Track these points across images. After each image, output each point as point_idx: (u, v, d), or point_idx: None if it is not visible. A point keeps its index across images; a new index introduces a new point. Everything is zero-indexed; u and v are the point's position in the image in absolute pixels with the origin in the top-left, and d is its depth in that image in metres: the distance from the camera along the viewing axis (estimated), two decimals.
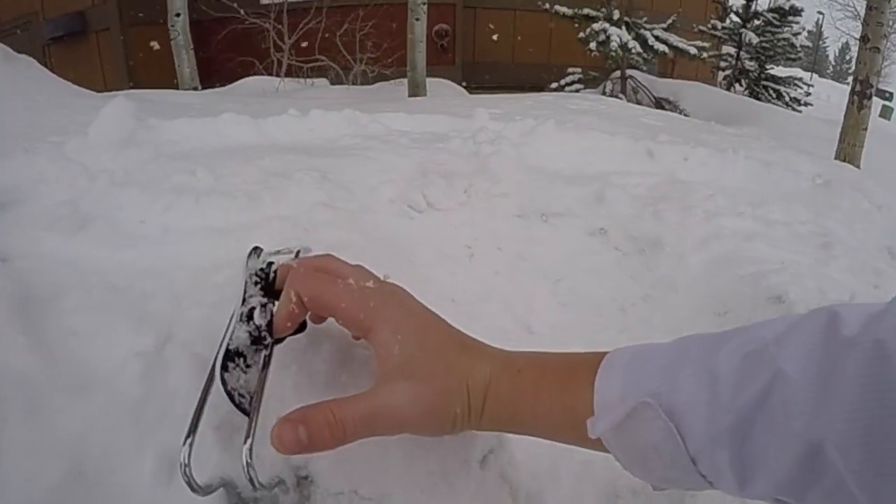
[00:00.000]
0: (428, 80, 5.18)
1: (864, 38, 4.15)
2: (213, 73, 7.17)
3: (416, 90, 4.43)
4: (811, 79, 15.37)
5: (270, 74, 7.02)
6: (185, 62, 6.00)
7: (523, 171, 1.24)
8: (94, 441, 0.58)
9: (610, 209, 1.15)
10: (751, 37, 10.35)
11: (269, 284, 0.54)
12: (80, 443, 0.58)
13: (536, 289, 1.05)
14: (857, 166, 4.06)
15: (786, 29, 10.77)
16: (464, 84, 7.14)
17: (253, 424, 0.47)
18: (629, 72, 7.09)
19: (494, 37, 9.57)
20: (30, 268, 0.82)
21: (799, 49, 11.04)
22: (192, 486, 0.45)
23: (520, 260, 1.09)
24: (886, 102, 28.14)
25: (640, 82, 7.18)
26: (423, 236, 1.06)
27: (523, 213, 1.14)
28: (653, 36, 6.64)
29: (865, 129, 4.26)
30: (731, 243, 1.12)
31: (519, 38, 9.79)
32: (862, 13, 4.38)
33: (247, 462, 0.44)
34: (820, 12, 34.73)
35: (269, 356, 0.51)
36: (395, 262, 0.96)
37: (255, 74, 7.07)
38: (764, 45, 10.60)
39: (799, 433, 0.33)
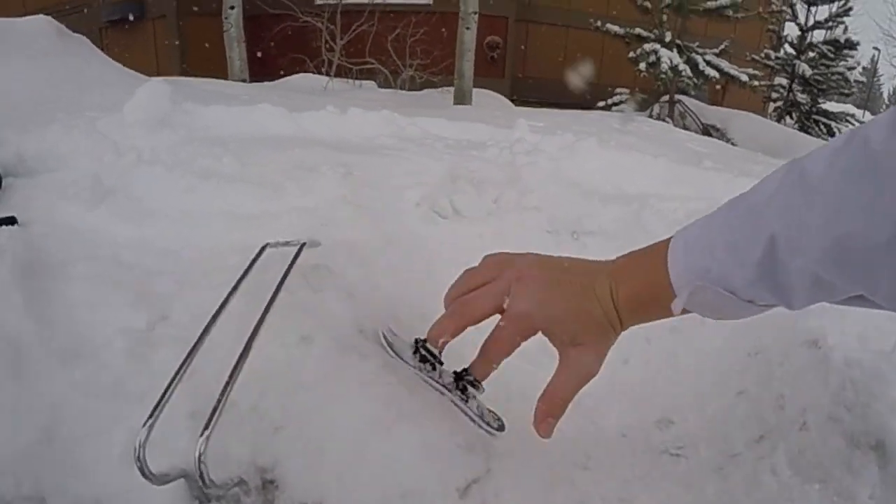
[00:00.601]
0: (475, 90, 5.15)
1: None
2: (265, 68, 7.26)
3: (461, 99, 4.40)
4: (864, 116, 14.97)
5: (320, 73, 7.07)
6: (237, 54, 6.08)
7: (558, 184, 1.19)
8: (70, 410, 0.58)
9: (647, 231, 1.10)
10: (804, 69, 10.12)
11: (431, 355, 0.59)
12: (57, 410, 0.58)
13: None
14: None
15: (840, 63, 10.50)
16: (512, 98, 7.11)
17: (216, 416, 0.44)
18: (678, 97, 6.97)
19: (548, 57, 9.54)
20: (45, 233, 0.84)
21: (853, 84, 10.76)
22: (144, 472, 0.43)
23: None
24: None
25: (688, 107, 7.03)
26: (446, 243, 1.03)
27: (554, 229, 1.10)
28: (704, 60, 6.50)
29: None
30: None
31: (568, 56, 9.73)
32: None
33: (199, 455, 0.41)
34: (876, 48, 33.94)
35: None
36: (412, 266, 0.93)
37: (305, 72, 7.12)
38: (817, 77, 10.34)
39: (802, 268, 0.44)
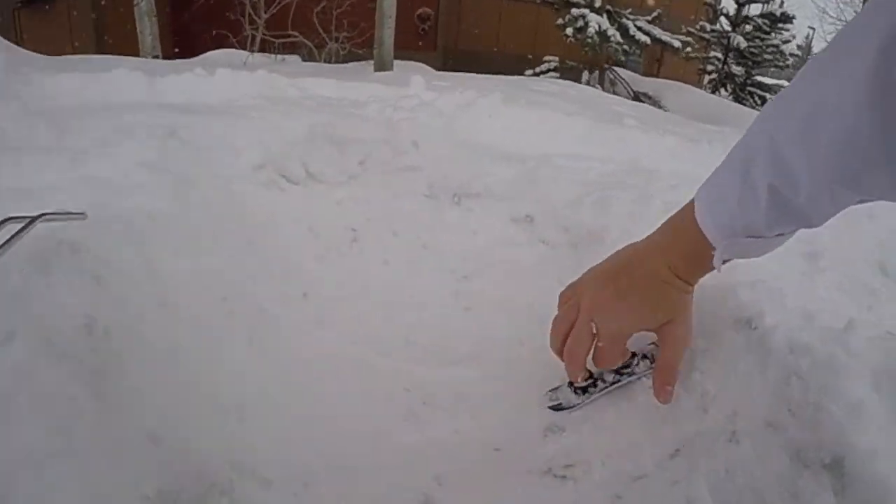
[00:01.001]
0: (403, 62, 4.89)
1: None
2: (186, 45, 6.86)
3: (382, 67, 4.15)
4: None
5: (244, 48, 6.71)
6: (147, 29, 5.68)
7: (446, 143, 1.00)
8: None
9: (542, 193, 0.91)
10: (739, 41, 10.16)
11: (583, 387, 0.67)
12: None
13: (436, 286, 0.81)
14: None
15: (776, 36, 10.60)
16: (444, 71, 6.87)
17: None
18: (609, 66, 6.82)
19: (482, 29, 9.29)
20: None
21: (788, 57, 10.89)
22: None
23: (420, 249, 0.86)
24: None
25: (619, 75, 6.88)
26: (291, 213, 0.83)
27: (432, 193, 0.90)
28: (635, 26, 6.35)
29: None
30: None
31: (503, 27, 9.51)
32: None
33: None
34: (811, 27, 34.90)
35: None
36: (229, 241, 0.72)
37: (229, 48, 6.75)
38: (752, 50, 10.42)
39: (808, 195, 0.48)
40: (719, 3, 10.88)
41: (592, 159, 1.15)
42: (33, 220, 0.53)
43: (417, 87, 1.38)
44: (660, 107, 5.44)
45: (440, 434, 0.61)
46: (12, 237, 0.50)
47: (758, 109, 9.39)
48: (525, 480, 0.56)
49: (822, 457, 0.48)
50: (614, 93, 5.49)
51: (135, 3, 5.71)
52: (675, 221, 0.62)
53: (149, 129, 0.85)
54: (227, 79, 1.37)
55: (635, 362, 0.67)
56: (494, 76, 2.79)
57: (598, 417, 0.63)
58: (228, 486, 0.47)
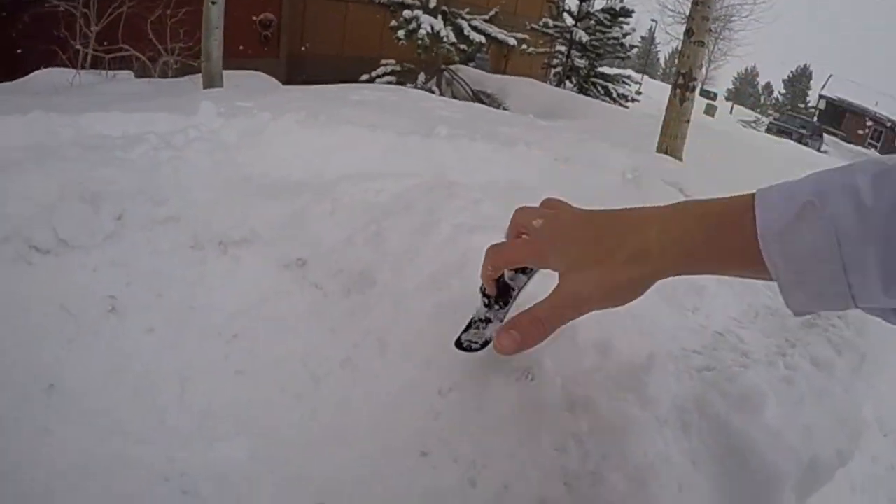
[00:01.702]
0: (240, 72, 4.71)
1: (688, 32, 4.20)
2: (13, 65, 6.26)
3: (211, 81, 3.95)
4: (643, 79, 16.35)
5: (75, 66, 6.20)
6: None
7: (214, 184, 0.94)
8: None
9: (315, 232, 0.87)
10: (581, 35, 10.67)
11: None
12: None
13: (201, 352, 0.75)
14: (679, 159, 4.11)
15: (616, 29, 11.22)
16: (288, 79, 6.67)
17: None
18: (455, 67, 6.89)
19: (327, 34, 9.13)
20: None
21: (629, 48, 11.56)
22: None
23: (187, 310, 0.79)
24: (711, 101, 31.10)
25: (456, 75, 7.00)
26: (40, 290, 0.74)
27: (198, 243, 0.84)
28: (470, 26, 6.47)
29: (688, 121, 4.32)
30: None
31: (349, 30, 9.42)
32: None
33: None
34: (653, 20, 37.16)
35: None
36: None
37: (59, 65, 6.20)
38: (594, 43, 10.98)
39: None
40: (563, 1, 11.37)
41: (388, 178, 1.10)
42: None
43: (206, 114, 1.29)
44: (500, 105, 5.58)
45: None
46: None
47: (602, 99, 9.93)
48: None
49: None
50: (452, 94, 5.57)
51: None
52: (701, 203, 0.51)
53: None
54: None
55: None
56: (314, 87, 2.74)
57: (368, 496, 0.60)
58: None
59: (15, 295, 0.74)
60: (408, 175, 1.16)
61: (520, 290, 0.64)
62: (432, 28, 6.14)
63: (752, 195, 0.46)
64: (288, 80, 6.05)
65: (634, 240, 0.51)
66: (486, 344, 0.60)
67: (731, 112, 35.27)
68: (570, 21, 11.16)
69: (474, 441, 0.61)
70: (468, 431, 0.62)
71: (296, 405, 0.70)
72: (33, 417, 0.65)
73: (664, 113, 4.42)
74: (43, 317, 0.73)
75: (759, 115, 35.09)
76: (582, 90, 10.55)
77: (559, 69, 11.17)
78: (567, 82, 10.94)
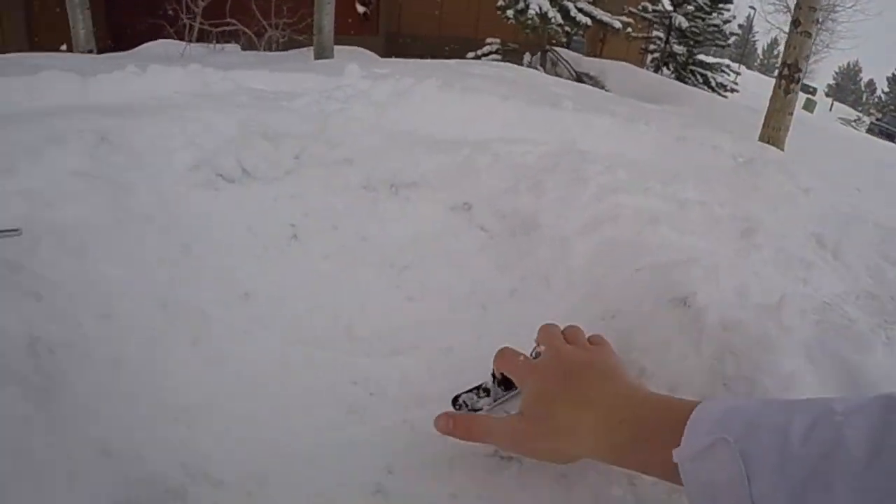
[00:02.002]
0: (344, 48, 4.84)
1: (795, 22, 4.03)
2: (124, 37, 6.64)
3: (322, 54, 4.10)
4: (739, 68, 15.68)
5: (182, 39, 6.53)
6: (80, 23, 5.50)
7: (380, 134, 1.00)
8: None
9: (479, 180, 0.92)
10: (680, 21, 10.35)
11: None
12: None
13: (376, 278, 0.82)
14: (781, 150, 3.98)
15: (716, 15, 10.82)
16: (388, 56, 6.82)
17: None
18: (552, 47, 6.87)
19: (424, 13, 9.22)
20: None
21: (728, 36, 11.13)
22: None
23: (360, 241, 0.86)
24: (810, 96, 29.55)
25: (560, 56, 6.97)
26: (229, 212, 0.82)
27: (370, 184, 0.90)
28: (576, 7, 6.43)
29: (791, 113, 4.16)
30: (630, 227, 0.89)
31: (446, 9, 9.47)
32: (792, 8, 4.30)
33: None
34: (752, 7, 35.56)
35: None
36: (163, 246, 0.71)
37: (166, 38, 6.56)
38: (693, 29, 10.61)
39: (847, 496, 0.37)
40: None
41: (527, 142, 1.16)
42: None
43: (352, 76, 1.37)
44: (602, 87, 5.52)
45: (389, 424, 0.62)
46: None
47: (700, 87, 9.62)
48: (473, 463, 0.57)
49: None
50: (556, 74, 5.55)
51: None
52: (646, 408, 0.53)
53: (79, 134, 0.83)
54: (160, 75, 1.34)
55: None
56: (433, 61, 2.80)
57: None
58: (182, 490, 0.48)
59: (208, 215, 0.82)
60: (542, 142, 1.20)
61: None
62: (540, 8, 6.13)
63: (692, 407, 0.47)
64: (386, 57, 6.17)
65: (574, 417, 0.52)
66: (474, 411, 0.62)
67: (830, 109, 33.46)
68: (668, 5, 10.84)
69: (643, 354, 0.66)
70: (637, 347, 0.68)
71: (466, 328, 0.76)
72: (234, 319, 0.72)
73: (767, 104, 4.27)
74: (233, 236, 0.81)
75: (861, 115, 33.13)
76: (680, 77, 10.24)
77: (657, 55, 10.87)
78: (665, 69, 10.65)
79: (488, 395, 0.63)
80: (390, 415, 0.64)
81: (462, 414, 0.60)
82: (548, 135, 1.33)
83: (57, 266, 0.59)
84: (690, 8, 10.67)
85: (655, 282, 0.77)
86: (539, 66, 6.26)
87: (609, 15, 6.81)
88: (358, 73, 1.37)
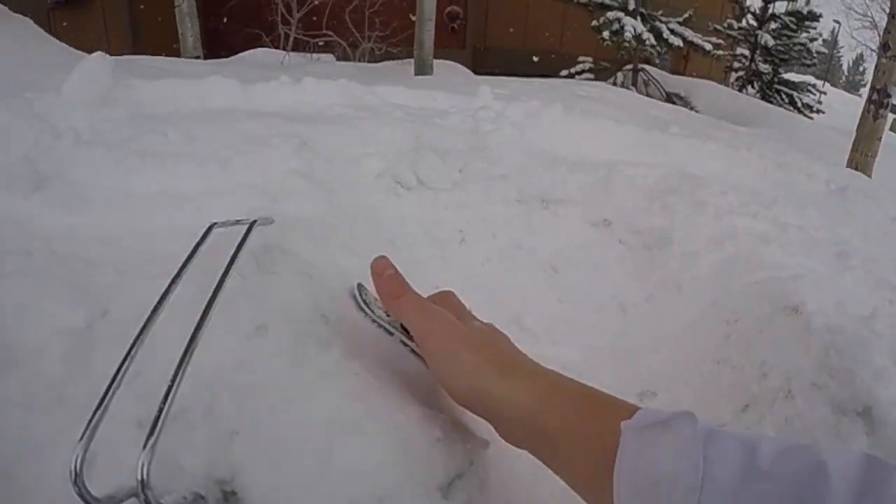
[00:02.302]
0: (436, 61, 5.05)
1: (884, 47, 4.00)
2: (220, 44, 7.02)
3: (422, 69, 4.31)
4: (823, 87, 15.14)
5: (277, 48, 6.88)
6: (189, 30, 5.87)
7: (524, 153, 1.14)
8: (7, 426, 0.50)
9: (615, 199, 1.06)
10: (766, 39, 10.17)
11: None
12: None
13: (532, 281, 0.96)
14: (869, 177, 3.95)
15: (802, 34, 10.58)
16: (474, 69, 7.01)
17: (159, 423, 0.38)
18: (641, 66, 6.95)
19: (509, 27, 9.39)
20: None
21: (814, 55, 10.86)
22: (84, 498, 0.36)
23: (515, 248, 1.00)
24: None
25: (651, 76, 7.03)
26: (411, 216, 0.97)
27: (522, 198, 1.05)
28: (668, 29, 6.49)
29: (880, 139, 4.13)
30: (745, 245, 1.02)
31: (530, 24, 9.61)
32: (881, 23, 4.25)
33: (142, 479, 0.35)
34: (836, 21, 34.28)
35: None
36: (374, 241, 0.87)
37: (261, 47, 6.92)
38: (779, 48, 10.40)
39: None
40: (746, 1, 10.86)
41: (645, 165, 1.29)
42: (251, 226, 0.67)
43: (485, 97, 1.52)
44: (690, 107, 5.56)
45: None
46: (242, 241, 0.62)
47: (786, 108, 9.44)
48: None
49: (855, 407, 0.64)
50: (647, 94, 5.63)
51: (176, 4, 5.90)
52: (584, 396, 0.50)
53: (282, 138, 1.00)
54: (313, 87, 1.52)
55: None
56: (540, 80, 2.96)
57: (685, 386, 0.78)
58: None
59: (394, 216, 0.97)
60: (657, 165, 1.33)
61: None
62: (634, 30, 6.23)
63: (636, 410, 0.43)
64: (473, 70, 6.36)
65: (502, 369, 0.51)
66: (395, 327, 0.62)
67: None
68: (752, 23, 10.65)
69: (764, 351, 0.79)
70: (755, 346, 0.81)
71: (609, 327, 0.90)
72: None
73: (855, 128, 4.23)
74: (416, 236, 0.96)
75: None
76: (765, 96, 10.06)
77: (741, 73, 10.70)
78: (749, 87, 10.48)
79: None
80: None
81: (400, 277, 0.59)
82: (661, 158, 1.45)
83: (309, 252, 0.74)
84: (775, 26, 10.47)
85: (770, 292, 0.91)
86: (632, 86, 6.35)
87: (700, 37, 6.82)
88: (490, 95, 1.52)
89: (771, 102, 9.13)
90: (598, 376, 0.82)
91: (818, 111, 10.69)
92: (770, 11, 10.53)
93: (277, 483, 0.43)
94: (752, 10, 10.75)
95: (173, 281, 0.55)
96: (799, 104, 10.42)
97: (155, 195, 0.86)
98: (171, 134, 1.02)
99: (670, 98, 6.24)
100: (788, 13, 10.56)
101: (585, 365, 0.84)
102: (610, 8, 6.60)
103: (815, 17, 10.49)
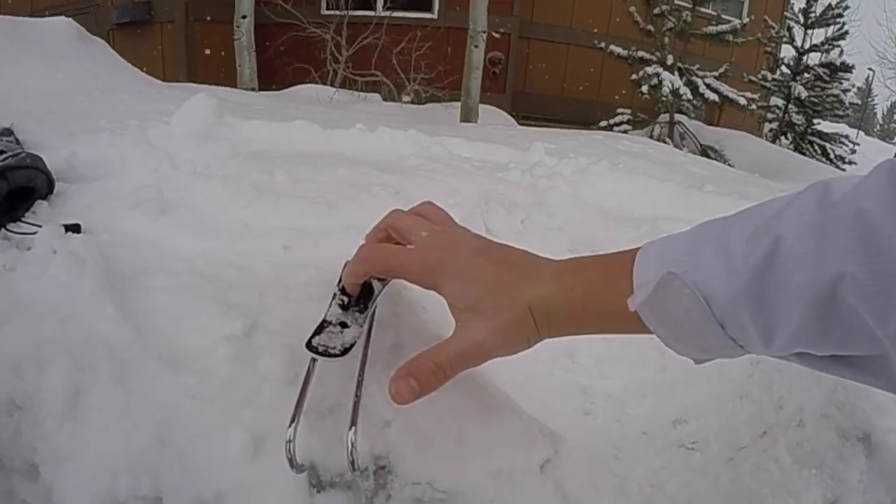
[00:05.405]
0: (482, 107, 5.26)
1: None
2: (270, 77, 7.31)
3: (468, 115, 4.52)
4: (857, 136, 15.09)
5: (324, 83, 7.16)
6: (247, 63, 6.19)
7: (577, 207, 1.30)
8: (182, 414, 0.61)
9: None
10: (800, 90, 10.26)
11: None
12: (166, 414, 0.60)
13: None
14: None
15: (835, 85, 10.65)
16: (512, 113, 7.24)
17: (355, 412, 0.53)
18: (677, 117, 7.14)
19: (547, 74, 9.63)
20: (112, 242, 0.85)
21: (847, 106, 10.90)
22: (293, 463, 0.51)
23: None
24: None
25: (687, 128, 7.20)
26: None
27: (575, 249, 1.20)
28: (704, 84, 6.68)
29: None
30: None
31: (569, 72, 9.84)
32: None
33: (351, 444, 0.51)
34: (870, 69, 34.13)
35: (370, 325, 0.62)
36: None
37: (309, 82, 7.19)
38: (812, 99, 10.46)
39: (803, 284, 0.37)
40: (780, 53, 10.98)
41: (683, 222, 1.44)
42: None
43: (538, 153, 1.70)
44: (725, 160, 5.70)
45: (614, 417, 0.91)
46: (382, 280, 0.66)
47: (819, 159, 9.51)
48: (669, 452, 0.84)
49: (857, 434, 0.76)
50: (682, 146, 5.81)
51: (235, 38, 6.23)
52: (593, 257, 0.55)
53: (379, 186, 1.15)
54: (386, 136, 1.69)
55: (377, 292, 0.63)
56: (582, 133, 3.13)
57: (712, 416, 0.92)
58: None
59: None
60: (695, 221, 1.46)
61: (377, 296, 0.64)
62: (672, 84, 6.44)
63: (634, 255, 0.48)
64: (512, 115, 6.59)
65: (531, 293, 0.50)
66: (346, 351, 0.56)
67: None
68: (787, 73, 10.77)
69: (781, 386, 0.92)
70: (773, 383, 0.93)
71: (649, 364, 1.04)
72: None
73: None
74: None
75: None
76: (798, 147, 10.13)
77: (775, 124, 10.79)
78: (782, 138, 10.56)
79: (347, 327, 0.59)
80: (614, 413, 0.93)
81: (420, 363, 0.50)
82: (698, 215, 1.59)
83: (415, 287, 0.89)
84: (809, 76, 10.55)
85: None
86: (668, 139, 6.54)
87: (735, 91, 7.00)
88: (542, 150, 1.70)
89: (804, 153, 9.21)
90: (639, 406, 0.97)
91: (850, 162, 10.71)
92: (804, 63, 10.64)
93: (422, 460, 0.58)
94: (786, 61, 10.88)
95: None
96: (832, 155, 10.46)
97: (272, 229, 0.98)
98: (277, 174, 1.16)
99: (705, 151, 6.41)
100: (822, 65, 10.65)
101: (627, 395, 0.99)
102: (648, 63, 6.83)
103: (848, 68, 10.55)
